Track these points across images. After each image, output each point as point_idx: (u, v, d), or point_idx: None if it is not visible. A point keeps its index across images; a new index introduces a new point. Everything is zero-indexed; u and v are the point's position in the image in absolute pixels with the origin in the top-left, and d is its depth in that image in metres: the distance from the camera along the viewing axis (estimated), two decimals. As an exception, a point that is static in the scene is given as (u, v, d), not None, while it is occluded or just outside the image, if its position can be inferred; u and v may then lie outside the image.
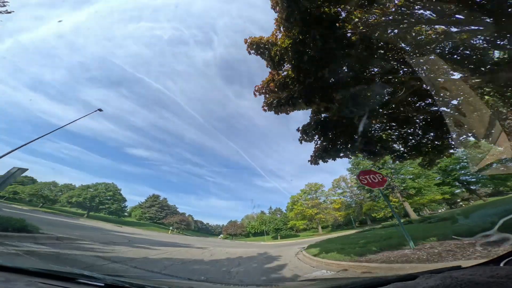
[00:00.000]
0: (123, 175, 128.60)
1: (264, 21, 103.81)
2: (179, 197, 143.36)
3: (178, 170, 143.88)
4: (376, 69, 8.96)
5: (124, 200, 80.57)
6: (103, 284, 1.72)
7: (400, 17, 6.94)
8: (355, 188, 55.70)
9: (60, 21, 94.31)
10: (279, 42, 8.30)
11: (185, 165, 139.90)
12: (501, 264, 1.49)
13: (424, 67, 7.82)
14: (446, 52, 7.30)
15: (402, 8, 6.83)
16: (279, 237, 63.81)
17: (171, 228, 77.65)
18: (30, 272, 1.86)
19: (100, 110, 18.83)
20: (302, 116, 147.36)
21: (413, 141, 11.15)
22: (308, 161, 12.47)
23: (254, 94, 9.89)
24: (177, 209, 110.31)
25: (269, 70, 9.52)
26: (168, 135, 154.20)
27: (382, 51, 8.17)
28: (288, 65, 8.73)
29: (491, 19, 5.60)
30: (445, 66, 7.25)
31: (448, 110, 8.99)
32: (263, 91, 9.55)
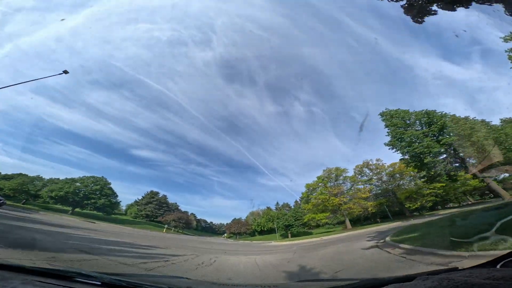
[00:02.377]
0: (130, 176, 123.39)
1: (263, 19, 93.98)
2: (184, 197, 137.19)
3: (183, 170, 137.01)
4: None
5: (115, 195, 72.30)
6: (100, 283, 1.68)
7: None
8: (383, 174, 45.53)
9: (62, 19, 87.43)
10: None
11: (189, 165, 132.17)
12: (498, 266, 1.48)
13: None
14: None
15: None
16: (289, 235, 54.22)
17: (166, 226, 68.99)
18: (27, 270, 1.81)
19: (65, 72, 17.91)
20: (303, 115, 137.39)
21: None
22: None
23: None
24: (179, 207, 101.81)
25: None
26: (172, 136, 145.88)
27: None
28: None
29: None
30: None
31: None
32: None
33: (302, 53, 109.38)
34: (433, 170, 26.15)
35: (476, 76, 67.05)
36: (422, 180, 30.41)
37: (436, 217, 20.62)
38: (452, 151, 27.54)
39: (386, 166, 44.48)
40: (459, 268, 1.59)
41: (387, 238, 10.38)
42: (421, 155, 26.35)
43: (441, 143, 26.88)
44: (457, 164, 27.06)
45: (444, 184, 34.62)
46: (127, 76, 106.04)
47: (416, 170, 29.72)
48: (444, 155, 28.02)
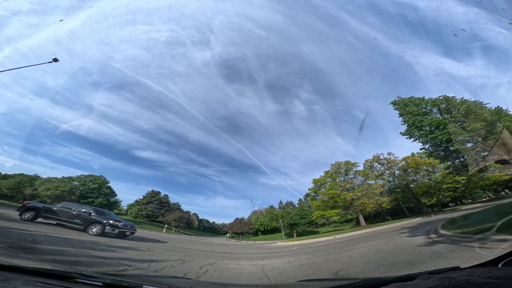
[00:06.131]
0: (133, 177, 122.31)
1: (261, 18, 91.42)
2: (187, 198, 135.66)
3: (185, 170, 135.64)
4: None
5: (113, 194, 70.25)
6: (101, 283, 1.66)
7: None
8: (395, 168, 42.39)
9: (61, 20, 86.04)
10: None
11: (191, 165, 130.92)
12: (499, 265, 1.47)
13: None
14: None
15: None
16: (295, 234, 51.39)
17: (166, 226, 66.69)
18: (28, 271, 1.79)
19: (55, 60, 16.91)
20: (304, 113, 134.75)
21: None
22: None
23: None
24: (180, 207, 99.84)
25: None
26: (173, 136, 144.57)
27: None
28: None
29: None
30: None
31: None
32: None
33: (302, 51, 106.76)
34: (459, 160, 23.10)
35: (478, 72, 64.37)
36: (446, 171, 27.39)
37: (466, 211, 17.70)
38: (479, 139, 24.53)
39: (398, 160, 41.38)
40: (461, 267, 1.55)
41: (444, 232, 7.59)
42: (447, 143, 23.33)
43: (468, 129, 23.85)
44: (486, 153, 24.00)
45: (466, 177, 31.49)
46: (127, 78, 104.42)
47: (438, 161, 26.73)
48: (470, 144, 25.06)
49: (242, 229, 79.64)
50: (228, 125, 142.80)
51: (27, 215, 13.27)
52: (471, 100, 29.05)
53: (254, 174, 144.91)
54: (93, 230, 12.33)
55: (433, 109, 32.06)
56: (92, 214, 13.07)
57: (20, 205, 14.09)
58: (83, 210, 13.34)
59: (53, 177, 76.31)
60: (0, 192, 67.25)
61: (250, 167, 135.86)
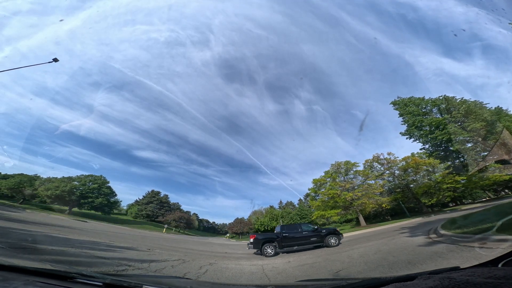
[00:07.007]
0: (133, 177, 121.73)
1: (261, 17, 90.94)
2: (187, 198, 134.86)
3: (185, 170, 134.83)
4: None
5: (113, 194, 70.23)
6: (101, 283, 1.67)
7: None
8: (395, 168, 42.30)
9: (61, 20, 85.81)
10: None
11: (191, 165, 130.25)
12: (499, 265, 1.48)
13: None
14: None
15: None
16: (295, 234, 51.50)
17: (166, 226, 66.71)
18: (29, 271, 1.78)
19: (55, 60, 16.99)
20: (304, 113, 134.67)
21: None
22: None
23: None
24: (180, 207, 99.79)
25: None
26: (173, 137, 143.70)
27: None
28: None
29: None
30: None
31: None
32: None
33: (302, 51, 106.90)
34: (459, 160, 23.11)
35: (478, 72, 64.36)
36: (446, 171, 27.38)
37: (466, 211, 17.66)
38: (479, 139, 24.54)
39: (398, 160, 41.33)
40: (461, 267, 1.56)
41: (444, 232, 7.60)
42: (447, 143, 23.33)
43: (468, 129, 23.84)
44: (486, 153, 24.00)
45: (466, 177, 31.44)
46: (127, 78, 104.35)
47: (438, 161, 26.73)
48: (470, 144, 25.05)
49: (242, 229, 79.65)
50: (228, 125, 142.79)
51: (269, 250, 11.61)
52: (471, 100, 29.07)
53: (254, 174, 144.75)
54: (332, 241, 12.52)
55: (433, 109, 32.09)
56: (317, 228, 13.60)
57: (252, 240, 12.32)
58: (316, 228, 13.58)
59: (53, 177, 76.30)
60: (0, 192, 67.28)
61: (250, 167, 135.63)
